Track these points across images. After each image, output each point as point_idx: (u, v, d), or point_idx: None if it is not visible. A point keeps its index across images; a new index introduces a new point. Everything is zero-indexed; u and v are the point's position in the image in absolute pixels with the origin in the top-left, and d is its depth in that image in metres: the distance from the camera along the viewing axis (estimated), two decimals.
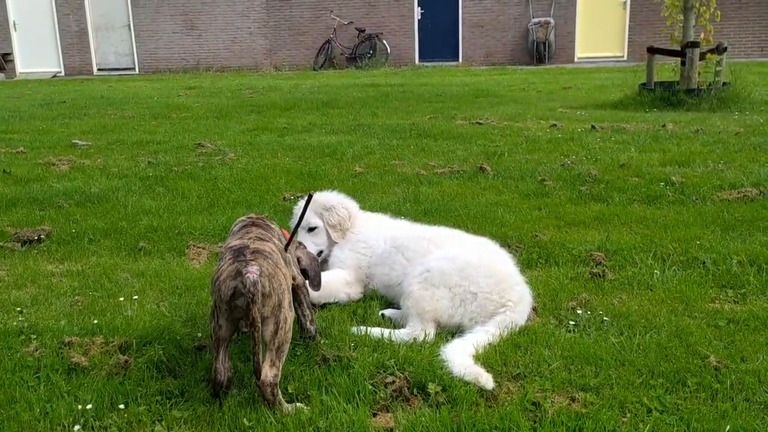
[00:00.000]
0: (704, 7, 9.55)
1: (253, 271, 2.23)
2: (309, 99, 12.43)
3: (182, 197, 5.30)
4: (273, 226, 2.81)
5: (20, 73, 22.27)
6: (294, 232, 2.73)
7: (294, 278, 2.72)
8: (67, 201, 5.24)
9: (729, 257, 3.56)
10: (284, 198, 5.21)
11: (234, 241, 2.50)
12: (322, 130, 8.74)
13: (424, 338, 2.81)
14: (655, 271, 3.45)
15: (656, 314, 2.96)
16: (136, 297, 3.24)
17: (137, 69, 22.57)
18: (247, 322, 2.24)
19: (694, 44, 9.38)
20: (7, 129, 9.60)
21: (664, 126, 7.89)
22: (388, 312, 3.09)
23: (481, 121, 8.89)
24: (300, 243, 2.98)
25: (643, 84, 10.19)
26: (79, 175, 6.28)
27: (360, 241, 3.36)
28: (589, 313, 3.00)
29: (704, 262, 3.54)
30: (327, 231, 3.44)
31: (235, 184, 5.75)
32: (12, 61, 22.23)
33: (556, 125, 8.36)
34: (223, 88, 15.65)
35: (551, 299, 3.16)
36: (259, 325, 2.21)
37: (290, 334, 2.34)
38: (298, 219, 2.88)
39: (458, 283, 2.90)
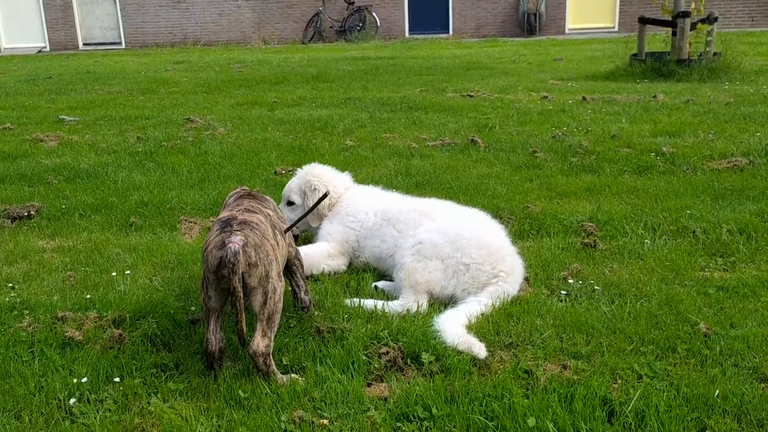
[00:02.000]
0: None
1: (235, 241, 2.23)
2: (298, 73, 12.32)
3: (172, 172, 5.27)
4: (268, 198, 2.80)
5: (5, 48, 21.92)
6: (299, 220, 2.71)
7: (288, 249, 2.73)
8: (56, 177, 5.20)
9: (719, 226, 3.59)
10: (275, 172, 5.19)
11: (224, 213, 2.49)
12: (312, 104, 8.68)
13: (417, 309, 2.83)
14: (646, 240, 3.47)
15: (647, 283, 2.99)
16: (128, 272, 3.23)
17: (123, 44, 22.25)
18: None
19: (685, 14, 9.33)
20: None
21: (655, 97, 7.89)
22: (381, 284, 3.11)
23: (471, 94, 8.85)
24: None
25: (634, 55, 10.16)
26: (68, 151, 6.22)
27: (349, 215, 3.36)
28: (580, 282, 3.03)
29: (694, 231, 3.56)
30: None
31: (225, 159, 5.72)
32: None
33: (546, 97, 8.34)
34: (211, 62, 15.48)
35: (543, 269, 3.18)
36: (240, 294, 2.20)
37: (280, 305, 2.35)
38: (306, 210, 2.84)
39: (450, 255, 2.91)
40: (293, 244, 2.77)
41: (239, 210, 2.47)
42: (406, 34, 20.83)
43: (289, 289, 2.82)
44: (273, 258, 2.34)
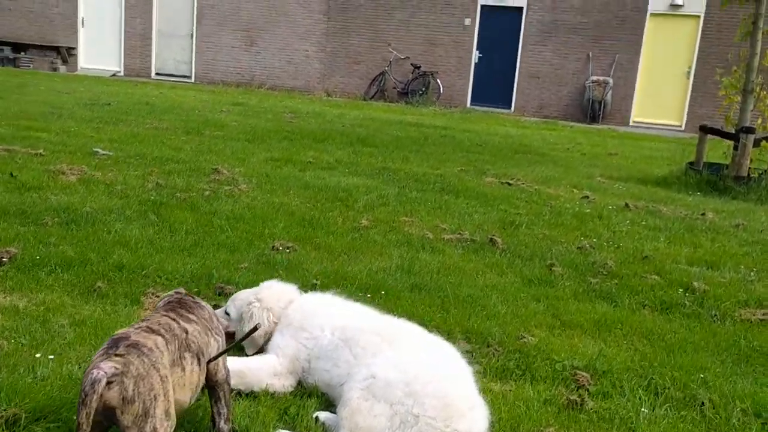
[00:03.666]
0: (765, 92, 9.00)
1: (103, 368, 1.91)
2: (346, 132, 12.24)
3: (170, 230, 5.06)
4: (203, 305, 2.50)
5: (81, 68, 22.86)
6: (225, 351, 2.41)
7: (214, 374, 2.40)
8: (54, 218, 5.06)
9: (733, 402, 3.10)
10: (273, 247, 4.92)
11: (131, 327, 2.20)
12: (345, 170, 8.48)
13: None
14: (643, 409, 3.00)
15: None
16: (52, 357, 2.94)
17: (193, 78, 22.91)
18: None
19: (749, 130, 8.83)
20: (39, 127, 9.65)
21: (703, 214, 7.36)
22: (323, 416, 2.73)
23: (511, 182, 8.50)
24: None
25: (691, 163, 9.66)
26: (82, 189, 6.13)
27: (304, 330, 3.01)
28: None
29: (703, 404, 3.08)
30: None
31: (231, 222, 5.49)
32: (75, 55, 22.84)
33: (588, 197, 7.91)
34: (267, 108, 15.64)
35: (512, 429, 2.75)
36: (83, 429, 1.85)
37: None
38: (233, 342, 2.56)
39: (401, 400, 2.52)
40: (225, 366, 2.45)
41: (141, 327, 2.17)
42: (468, 104, 20.75)
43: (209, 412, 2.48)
44: (160, 392, 2.01)
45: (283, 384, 2.92)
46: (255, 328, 2.43)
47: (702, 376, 3.34)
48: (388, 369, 2.63)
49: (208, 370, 2.37)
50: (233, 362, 2.79)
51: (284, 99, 18.70)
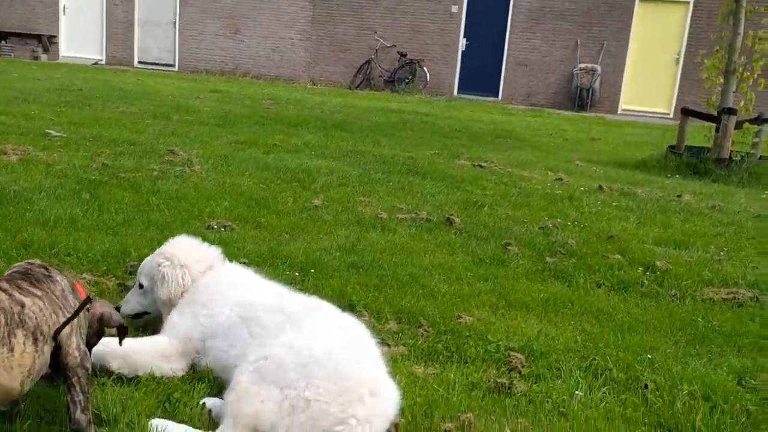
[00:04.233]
0: (748, 73, 8.68)
1: None
2: (323, 118, 11.90)
3: (98, 209, 4.74)
4: (57, 280, 2.18)
5: (63, 56, 22.43)
6: (66, 322, 2.07)
7: (64, 357, 2.08)
8: None
9: (680, 384, 2.79)
10: (208, 226, 4.60)
11: None
12: (312, 153, 8.15)
13: None
14: (578, 392, 2.69)
15: None
16: None
17: (177, 66, 22.51)
18: None
19: (731, 111, 8.52)
20: None
21: (679, 196, 7.05)
22: (209, 402, 2.42)
23: (483, 164, 8.18)
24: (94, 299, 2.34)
25: (672, 146, 9.35)
26: (19, 169, 5.80)
27: (203, 306, 2.70)
28: None
29: (646, 386, 2.77)
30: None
31: (171, 201, 5.17)
32: (56, 43, 22.43)
33: (561, 179, 7.60)
34: (247, 95, 15.26)
35: (425, 415, 2.44)
36: None
37: None
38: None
39: (293, 384, 2.21)
40: (79, 348, 2.12)
41: None
42: (455, 93, 20.40)
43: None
44: None
45: (173, 368, 2.60)
46: (85, 303, 2.10)
47: (650, 357, 3.03)
48: (282, 349, 2.33)
49: (58, 351, 2.05)
50: (115, 344, 2.47)
51: (267, 87, 18.32)
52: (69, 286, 2.20)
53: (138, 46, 22.68)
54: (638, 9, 18.86)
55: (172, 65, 22.56)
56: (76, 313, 2.05)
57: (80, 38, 22.59)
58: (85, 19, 22.50)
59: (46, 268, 2.21)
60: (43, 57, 21.89)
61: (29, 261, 2.24)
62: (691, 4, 18.44)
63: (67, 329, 2.08)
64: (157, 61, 22.60)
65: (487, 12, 20.09)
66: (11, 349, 1.85)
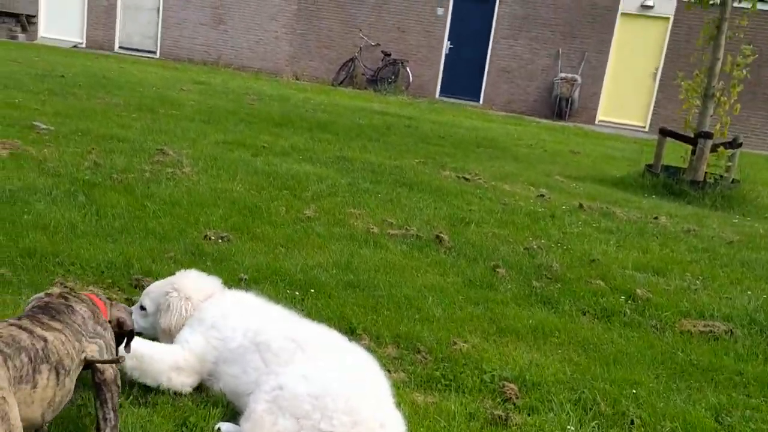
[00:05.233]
0: (725, 98, 8.98)
1: None
2: (307, 117, 11.96)
3: (96, 214, 4.78)
4: (76, 310, 2.26)
5: (41, 37, 22.06)
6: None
7: (101, 372, 2.19)
8: None
9: (663, 421, 2.97)
10: (205, 237, 4.68)
11: None
12: (299, 157, 8.23)
13: None
14: (570, 426, 2.86)
15: None
16: None
17: (158, 53, 22.30)
18: None
19: (707, 135, 8.81)
20: None
21: (656, 218, 7.30)
22: (224, 427, 2.53)
23: (468, 177, 8.35)
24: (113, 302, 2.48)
25: (649, 165, 9.62)
26: (11, 166, 5.79)
27: (214, 328, 2.80)
28: None
29: (632, 422, 2.95)
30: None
31: (166, 207, 5.23)
32: (35, 23, 22.04)
33: (543, 195, 7.80)
34: (230, 89, 15.21)
35: None
36: None
37: None
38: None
39: (309, 415, 2.34)
40: (111, 368, 2.22)
41: None
42: (437, 95, 20.57)
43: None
44: None
45: (183, 381, 2.70)
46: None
47: (634, 391, 3.22)
48: (297, 380, 2.44)
49: (94, 368, 2.17)
50: (137, 342, 2.60)
51: (249, 80, 18.27)
52: (90, 312, 2.29)
53: (119, 30, 22.41)
54: (620, 22, 19.21)
55: (154, 52, 22.35)
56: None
57: (60, 19, 22.23)
58: (66, 1, 22.14)
59: (65, 298, 2.29)
60: (21, 37, 21.51)
61: (48, 293, 2.31)
62: (671, 20, 18.85)
63: (101, 346, 2.19)
64: (138, 47, 22.36)
65: (473, 16, 20.28)
66: (35, 386, 1.93)
